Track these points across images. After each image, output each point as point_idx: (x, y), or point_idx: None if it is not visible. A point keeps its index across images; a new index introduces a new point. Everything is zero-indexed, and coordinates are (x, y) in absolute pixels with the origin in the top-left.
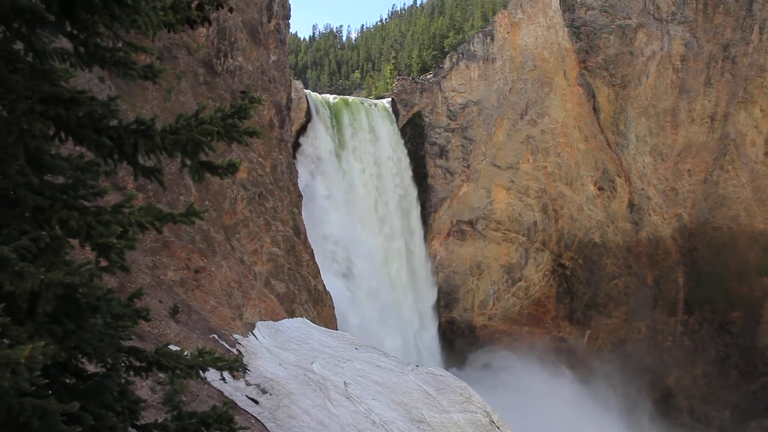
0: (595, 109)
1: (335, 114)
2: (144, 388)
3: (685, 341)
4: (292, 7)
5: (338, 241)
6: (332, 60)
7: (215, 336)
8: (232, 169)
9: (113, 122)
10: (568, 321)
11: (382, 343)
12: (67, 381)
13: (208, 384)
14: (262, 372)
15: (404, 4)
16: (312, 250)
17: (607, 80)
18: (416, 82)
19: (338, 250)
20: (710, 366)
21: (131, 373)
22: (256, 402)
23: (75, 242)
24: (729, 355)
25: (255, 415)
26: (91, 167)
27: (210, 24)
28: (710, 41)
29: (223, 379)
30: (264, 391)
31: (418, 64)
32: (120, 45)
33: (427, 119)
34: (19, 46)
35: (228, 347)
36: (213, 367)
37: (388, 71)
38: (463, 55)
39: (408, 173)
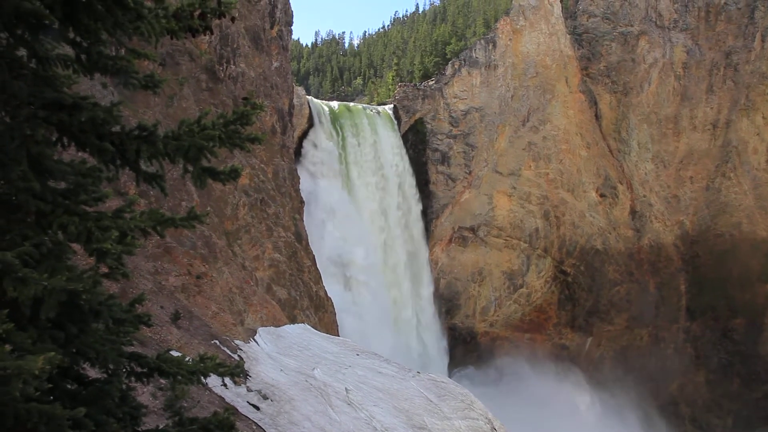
0: (597, 116)
1: (337, 120)
2: (145, 393)
3: (687, 348)
4: (294, 13)
5: (339, 246)
6: (334, 66)
7: (217, 342)
8: (234, 174)
9: (115, 128)
10: (570, 328)
11: (382, 349)
12: (69, 387)
13: (210, 390)
14: (263, 378)
15: (406, 11)
16: (313, 256)
17: (609, 87)
18: (418, 89)
19: (339, 256)
20: (713, 373)
21: (133, 378)
22: (258, 408)
23: (77, 247)
24: (731, 362)
25: (256, 421)
26: (93, 173)
27: (212, 33)
28: (712, 48)
29: (225, 384)
30: (265, 397)
31: (420, 70)
32: (122, 53)
33: (429, 126)
34: (22, 52)
35: (229, 353)
36: (214, 373)
37: (390, 78)
38: (465, 61)
39: (410, 179)
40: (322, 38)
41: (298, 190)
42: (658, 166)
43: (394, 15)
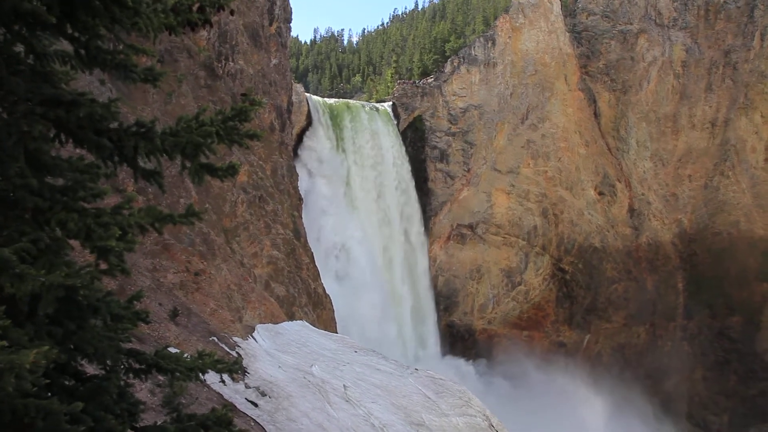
0: (596, 114)
1: (336, 117)
2: (143, 390)
3: (684, 346)
4: (293, 10)
5: (338, 244)
6: (333, 63)
7: (215, 339)
8: (232, 171)
9: (113, 124)
10: (568, 325)
11: (380, 346)
12: (67, 383)
13: (208, 387)
14: (261, 375)
15: (406, 8)
16: (312, 253)
17: (608, 85)
18: (417, 86)
19: (338, 254)
20: (709, 371)
21: (131, 375)
22: (256, 405)
23: (75, 243)
24: (728, 360)
25: (254, 417)
26: (90, 169)
27: (211, 26)
28: (711, 47)
29: (223, 381)
30: (263, 394)
31: (419, 68)
32: (121, 48)
33: (427, 123)
34: (19, 48)
35: (227, 350)
36: (212, 370)
37: (389, 75)
38: (464, 59)
39: (408, 177)
40: (321, 35)
41: (296, 188)
42: (656, 165)
43: (394, 12)
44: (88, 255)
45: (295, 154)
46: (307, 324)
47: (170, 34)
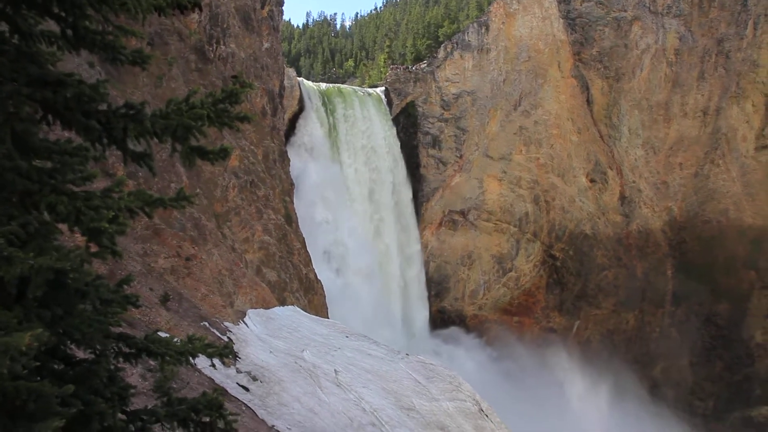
0: (589, 102)
1: (328, 102)
2: (134, 375)
3: (672, 333)
4: None
5: (330, 229)
6: (326, 48)
7: (206, 324)
8: (223, 154)
9: (102, 106)
10: (558, 311)
11: (372, 331)
12: (56, 366)
13: (199, 371)
14: (252, 359)
15: None
16: (303, 238)
17: (602, 72)
18: (410, 72)
19: (329, 239)
20: (696, 357)
21: (120, 359)
22: (247, 389)
23: (64, 228)
24: (715, 346)
25: (246, 402)
26: (79, 152)
27: (201, 9)
28: (705, 35)
29: (214, 365)
30: (255, 379)
31: (412, 53)
32: (109, 29)
33: (420, 109)
34: (4, 27)
35: (219, 335)
36: (203, 354)
37: (382, 60)
38: (457, 44)
39: (400, 163)
40: (313, 19)
41: (288, 173)
42: (648, 152)
43: None
44: (77, 240)
45: (287, 139)
46: (298, 309)
47: (159, 16)
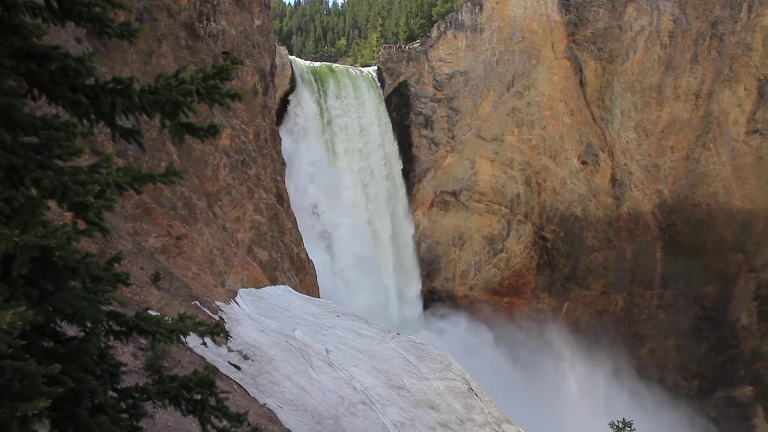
0: (582, 83)
1: (320, 81)
2: (126, 354)
3: (660, 314)
4: None
5: (321, 209)
6: (318, 26)
7: (197, 303)
8: (213, 131)
9: (89, 81)
10: (548, 293)
11: (363, 311)
12: (45, 344)
13: (190, 350)
14: (244, 339)
15: None
16: (295, 218)
17: (595, 54)
18: (403, 51)
19: (321, 219)
20: (682, 338)
21: (111, 337)
22: (238, 368)
23: (54, 208)
24: (701, 328)
25: (237, 380)
26: (66, 127)
27: None
28: (699, 18)
29: (205, 344)
30: (246, 358)
31: (405, 32)
32: (96, 0)
33: (413, 89)
34: None
35: (210, 314)
36: (194, 332)
37: (375, 39)
38: (450, 24)
39: (392, 143)
40: None
41: (279, 152)
42: (639, 135)
43: None
44: (67, 218)
45: (279, 118)
46: (289, 289)
47: None
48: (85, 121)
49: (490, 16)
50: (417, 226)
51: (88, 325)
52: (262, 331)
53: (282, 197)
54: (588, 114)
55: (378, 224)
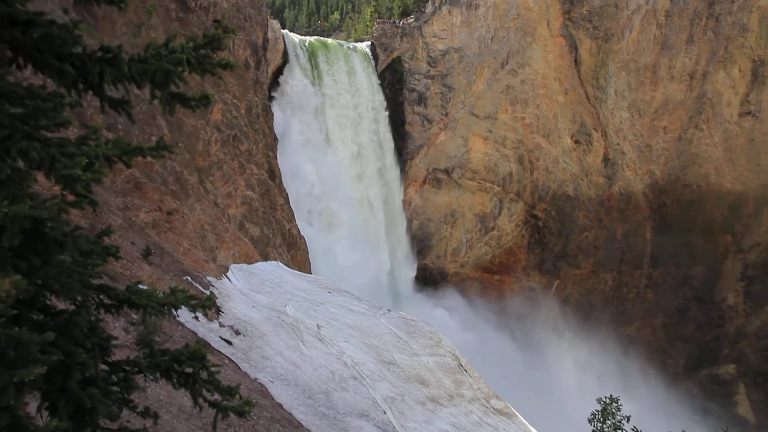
0: (577, 62)
1: (313, 56)
2: (117, 329)
3: (648, 294)
4: None
5: (314, 185)
6: (311, 0)
7: (189, 278)
8: (205, 101)
9: (77, 49)
10: (538, 271)
11: (355, 287)
12: (35, 317)
13: (182, 325)
14: (235, 314)
15: None
16: (287, 194)
17: (591, 33)
18: (397, 27)
19: (314, 195)
20: (669, 317)
21: (102, 310)
22: (230, 343)
23: (41, 181)
24: (688, 307)
25: (228, 355)
26: (53, 97)
27: None
28: None
29: (197, 318)
30: (237, 333)
31: (399, 7)
32: None
33: (406, 65)
34: None
35: (201, 289)
36: (185, 306)
37: (369, 14)
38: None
39: (385, 119)
40: None
41: (271, 127)
42: (633, 115)
43: None
44: (55, 187)
45: (271, 93)
46: (281, 264)
47: None
48: (73, 92)
49: None
50: (409, 204)
51: (78, 298)
52: (253, 307)
53: (274, 173)
54: (582, 93)
55: (370, 200)
